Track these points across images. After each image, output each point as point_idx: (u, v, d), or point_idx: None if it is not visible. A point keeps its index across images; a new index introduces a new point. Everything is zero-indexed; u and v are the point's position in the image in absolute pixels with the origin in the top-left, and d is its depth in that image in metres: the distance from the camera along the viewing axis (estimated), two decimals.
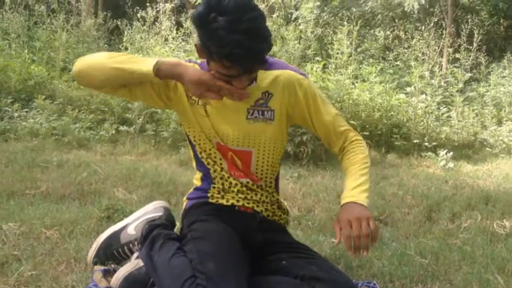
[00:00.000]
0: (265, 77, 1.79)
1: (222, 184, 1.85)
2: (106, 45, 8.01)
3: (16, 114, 5.05)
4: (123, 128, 5.05)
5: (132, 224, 2.08)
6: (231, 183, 1.84)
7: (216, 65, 1.58)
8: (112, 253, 2.04)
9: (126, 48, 6.48)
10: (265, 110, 1.78)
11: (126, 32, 6.72)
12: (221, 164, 1.83)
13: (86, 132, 4.93)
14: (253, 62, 1.56)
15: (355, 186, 1.71)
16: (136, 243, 2.02)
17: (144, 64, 1.65)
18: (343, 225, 1.59)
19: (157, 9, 7.15)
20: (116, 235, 2.06)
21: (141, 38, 6.57)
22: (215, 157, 1.83)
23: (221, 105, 1.76)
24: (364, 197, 1.68)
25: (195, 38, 6.35)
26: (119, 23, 7.27)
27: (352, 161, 1.81)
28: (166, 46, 6.49)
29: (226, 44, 1.49)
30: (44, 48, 6.59)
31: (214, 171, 1.85)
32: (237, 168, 1.83)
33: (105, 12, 8.58)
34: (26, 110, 5.24)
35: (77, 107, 5.43)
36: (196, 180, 1.94)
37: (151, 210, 2.13)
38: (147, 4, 7.19)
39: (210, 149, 1.83)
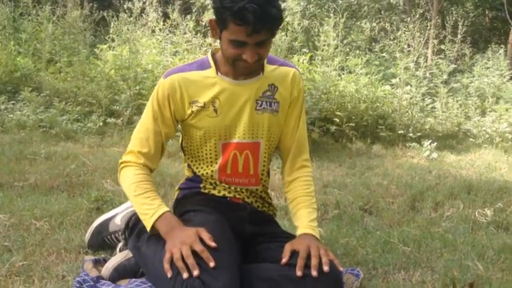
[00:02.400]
0: (270, 70, 1.86)
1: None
2: (92, 37, 7.96)
3: (3, 107, 5.04)
4: (110, 120, 5.06)
5: (120, 214, 2.14)
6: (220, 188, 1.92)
7: (227, 32, 1.63)
8: (102, 239, 2.13)
9: (113, 40, 6.46)
10: (272, 101, 1.85)
11: (112, 24, 6.68)
12: (212, 174, 1.89)
13: (74, 124, 4.93)
14: (264, 23, 1.60)
15: (311, 220, 1.84)
16: (120, 233, 2.07)
17: (145, 218, 1.74)
18: (301, 249, 1.67)
19: (144, 0, 7.12)
20: (106, 223, 2.14)
21: (128, 29, 6.53)
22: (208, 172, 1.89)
23: (231, 99, 1.80)
24: (318, 231, 1.83)
25: (181, 29, 6.35)
26: (105, 14, 7.22)
27: (305, 191, 1.91)
28: (153, 38, 6.48)
29: None
30: (30, 40, 6.54)
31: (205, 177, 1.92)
32: (234, 172, 1.87)
33: (91, 4, 8.52)
34: (13, 102, 5.23)
35: (64, 99, 5.42)
36: (188, 171, 1.98)
37: None
38: None
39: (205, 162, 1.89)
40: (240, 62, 1.68)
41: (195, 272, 1.50)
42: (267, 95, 1.84)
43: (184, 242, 1.59)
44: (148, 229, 1.72)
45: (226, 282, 1.51)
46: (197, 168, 1.92)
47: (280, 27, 1.74)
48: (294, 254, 1.70)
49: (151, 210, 1.72)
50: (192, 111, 1.81)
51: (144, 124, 1.84)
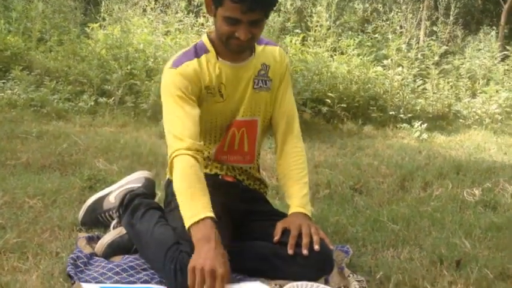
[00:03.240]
0: (260, 50, 1.91)
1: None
2: (83, 16, 7.88)
3: None
4: (102, 99, 5.03)
5: (114, 192, 2.17)
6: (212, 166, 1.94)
7: (222, 9, 1.65)
8: (96, 217, 2.16)
9: (104, 19, 6.40)
10: (267, 79, 1.92)
11: (103, 3, 6.62)
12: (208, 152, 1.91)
13: (65, 103, 4.90)
14: (259, 2, 1.63)
15: (302, 196, 1.87)
16: (114, 211, 2.09)
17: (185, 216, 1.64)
18: (292, 228, 1.72)
19: None
20: (100, 201, 2.17)
21: (119, 8, 6.49)
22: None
23: (234, 82, 1.85)
24: (310, 209, 1.87)
25: (173, 9, 6.30)
26: None
27: (296, 163, 1.94)
28: (145, 17, 6.44)
29: None
30: (20, 19, 6.46)
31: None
32: (230, 150, 1.91)
33: None
34: (3, 81, 5.18)
35: (54, 78, 5.37)
36: None
37: (134, 180, 2.20)
38: None
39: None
40: (233, 39, 1.71)
41: None
42: (261, 74, 1.90)
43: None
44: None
45: None
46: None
47: (274, 8, 1.78)
48: (286, 232, 1.74)
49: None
50: (204, 98, 1.83)
51: (173, 113, 1.76)
